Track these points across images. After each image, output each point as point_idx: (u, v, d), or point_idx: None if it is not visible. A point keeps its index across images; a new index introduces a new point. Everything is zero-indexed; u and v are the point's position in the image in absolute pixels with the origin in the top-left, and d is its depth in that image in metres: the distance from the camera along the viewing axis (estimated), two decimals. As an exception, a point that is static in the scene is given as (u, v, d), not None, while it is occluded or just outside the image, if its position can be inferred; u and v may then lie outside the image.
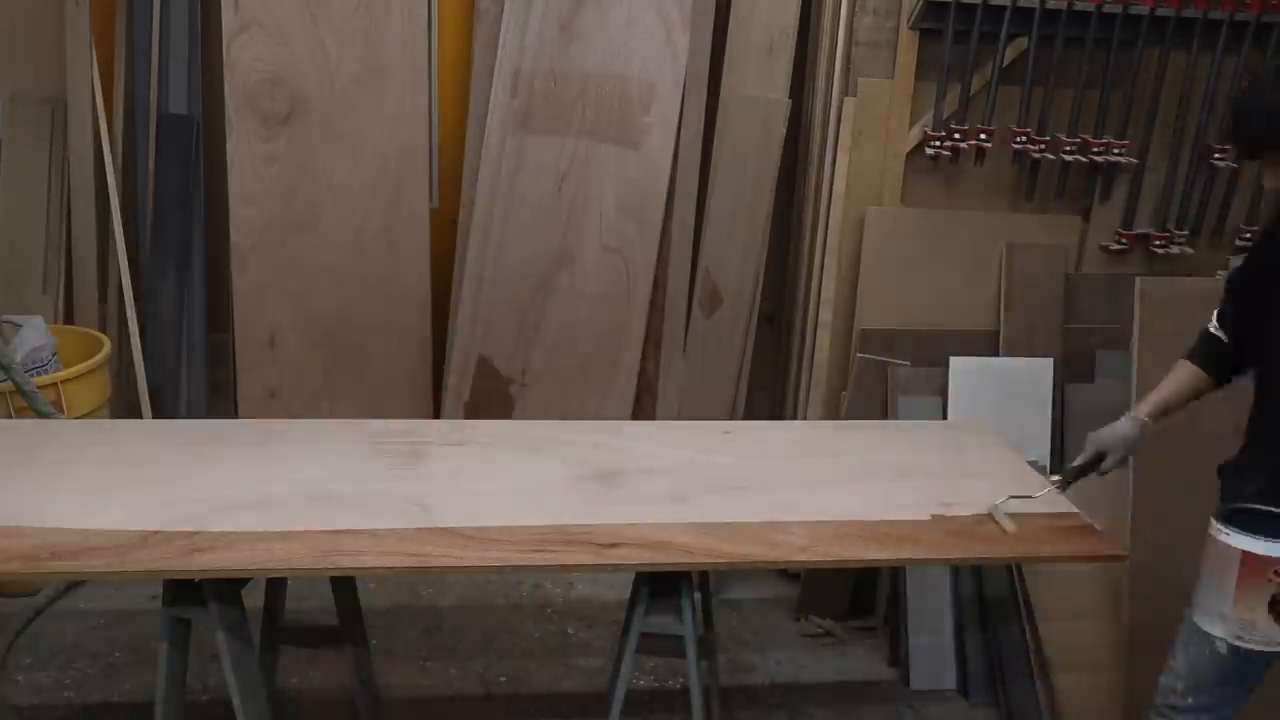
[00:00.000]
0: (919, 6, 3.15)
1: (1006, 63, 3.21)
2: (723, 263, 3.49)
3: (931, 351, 3.23)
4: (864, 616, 3.27)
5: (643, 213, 3.42)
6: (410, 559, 1.93)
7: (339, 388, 3.51)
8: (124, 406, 3.40)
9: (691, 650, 2.20)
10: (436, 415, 3.52)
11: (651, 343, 3.55)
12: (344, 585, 2.47)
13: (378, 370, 3.52)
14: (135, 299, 3.40)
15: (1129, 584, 2.61)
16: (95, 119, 3.32)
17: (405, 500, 2.11)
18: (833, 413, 3.36)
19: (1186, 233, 3.45)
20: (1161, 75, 3.29)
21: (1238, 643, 1.98)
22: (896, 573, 3.09)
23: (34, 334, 3.04)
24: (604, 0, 3.29)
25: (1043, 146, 3.26)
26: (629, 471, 2.28)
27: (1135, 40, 3.22)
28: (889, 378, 3.19)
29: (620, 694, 2.29)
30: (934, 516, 2.17)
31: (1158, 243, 3.44)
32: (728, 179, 3.43)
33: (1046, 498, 2.22)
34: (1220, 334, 2.15)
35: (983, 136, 3.22)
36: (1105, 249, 3.48)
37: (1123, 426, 2.19)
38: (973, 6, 3.11)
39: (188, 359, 3.49)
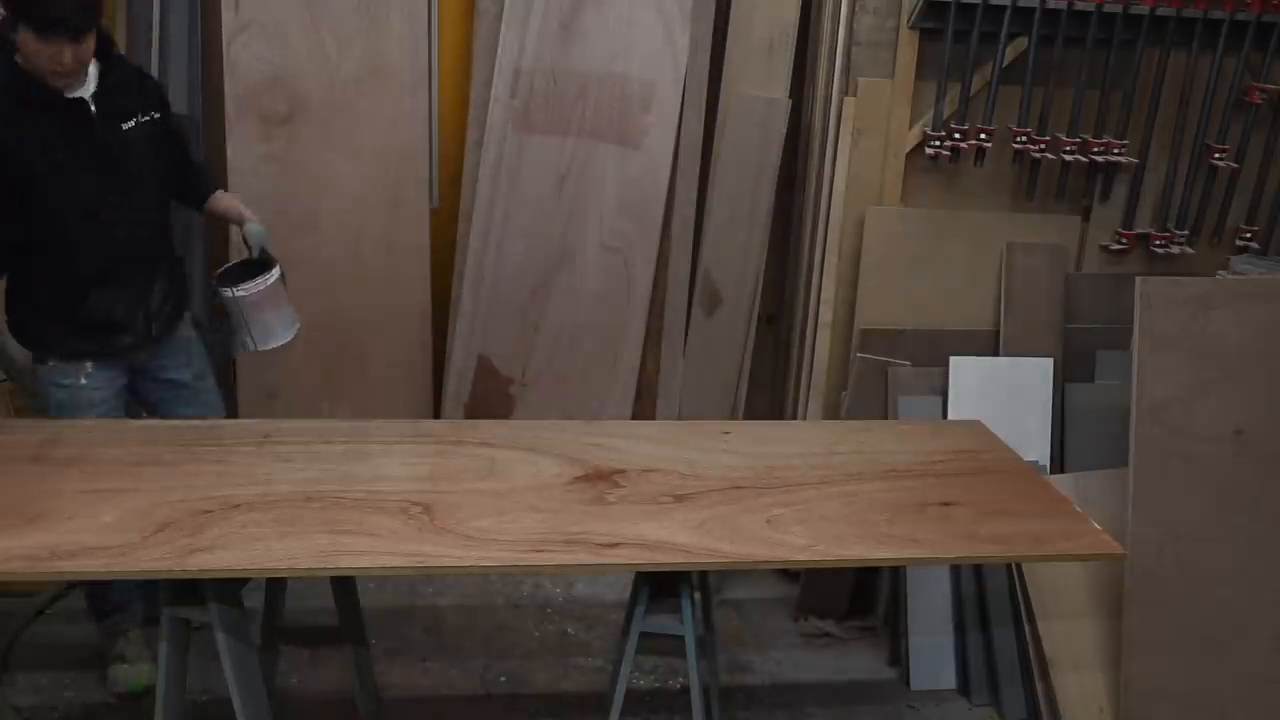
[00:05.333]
0: (919, 6, 3.15)
1: (1006, 63, 3.21)
2: (723, 263, 3.49)
3: (931, 351, 3.23)
4: (864, 616, 3.27)
5: (643, 213, 3.42)
6: (410, 559, 1.93)
7: (339, 388, 3.51)
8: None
9: (691, 650, 2.20)
10: (436, 415, 3.52)
11: (651, 343, 3.55)
12: (344, 585, 2.47)
13: (378, 370, 3.52)
14: (135, 299, 3.39)
15: (1129, 584, 2.61)
16: (95, 119, 3.32)
17: (405, 500, 2.11)
18: (833, 413, 3.36)
19: (1186, 233, 3.45)
20: (1161, 75, 3.29)
21: None
22: (896, 573, 3.09)
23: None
24: (604, 0, 3.29)
25: (1043, 146, 3.26)
26: (629, 471, 2.28)
27: (1135, 40, 3.22)
28: (889, 378, 3.19)
29: (620, 694, 2.29)
30: (934, 516, 2.17)
31: (1158, 243, 3.44)
32: (728, 179, 3.43)
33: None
34: None
35: (983, 136, 3.22)
36: (1105, 249, 3.48)
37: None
38: (973, 6, 3.11)
39: (188, 359, 3.49)
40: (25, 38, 2.24)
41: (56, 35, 2.23)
